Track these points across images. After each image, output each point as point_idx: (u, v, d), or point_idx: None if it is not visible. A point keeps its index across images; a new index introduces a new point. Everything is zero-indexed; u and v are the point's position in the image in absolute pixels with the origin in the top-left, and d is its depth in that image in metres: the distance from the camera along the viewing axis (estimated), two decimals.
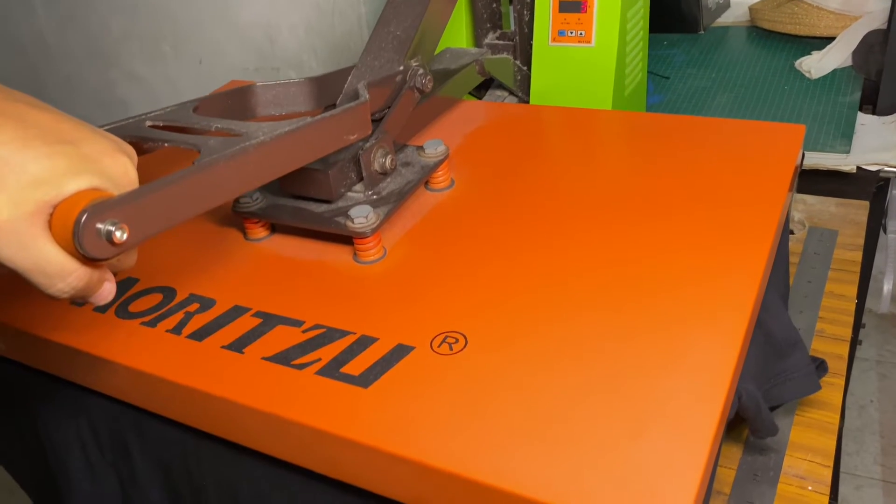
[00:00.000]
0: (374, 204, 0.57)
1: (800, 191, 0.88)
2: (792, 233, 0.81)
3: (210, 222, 0.64)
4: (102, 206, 0.36)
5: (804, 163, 0.83)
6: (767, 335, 0.54)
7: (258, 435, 0.47)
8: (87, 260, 0.37)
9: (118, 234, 0.36)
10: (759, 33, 1.23)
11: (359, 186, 0.59)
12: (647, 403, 0.41)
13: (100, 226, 0.36)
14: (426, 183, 0.63)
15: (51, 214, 0.36)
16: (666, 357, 0.43)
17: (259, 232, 0.60)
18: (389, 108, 0.61)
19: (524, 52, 0.83)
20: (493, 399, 0.42)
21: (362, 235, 0.54)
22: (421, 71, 0.63)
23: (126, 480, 0.59)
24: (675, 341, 0.44)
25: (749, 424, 0.52)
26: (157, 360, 0.50)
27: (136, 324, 0.53)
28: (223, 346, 0.50)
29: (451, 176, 0.64)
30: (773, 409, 0.57)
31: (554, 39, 0.79)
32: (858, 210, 0.84)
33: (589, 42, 0.77)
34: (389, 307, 0.51)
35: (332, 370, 0.46)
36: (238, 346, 0.49)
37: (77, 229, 0.35)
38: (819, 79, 1.06)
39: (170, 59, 1.55)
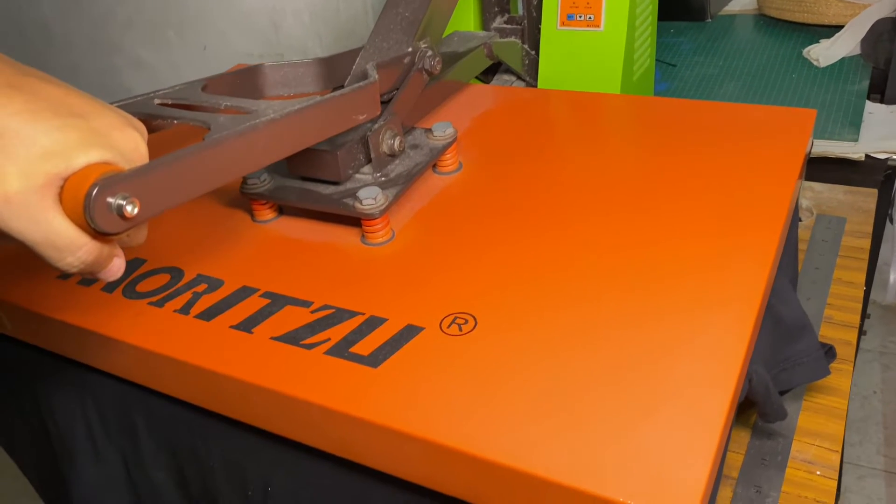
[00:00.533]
0: (383, 186, 0.56)
1: (808, 178, 0.87)
2: (800, 220, 0.81)
3: (217, 204, 0.63)
4: (113, 179, 0.35)
5: (812, 150, 0.83)
6: (777, 320, 0.54)
7: (266, 414, 0.47)
8: (98, 234, 0.36)
9: (129, 208, 0.36)
10: (766, 21, 1.22)
11: (367, 168, 0.58)
12: (659, 386, 0.40)
13: (110, 200, 0.35)
14: (434, 166, 0.63)
15: (61, 188, 0.35)
16: (677, 340, 0.43)
17: (267, 214, 0.60)
18: (398, 89, 0.61)
19: (532, 37, 0.83)
20: (503, 379, 0.42)
21: (371, 217, 0.54)
22: (430, 53, 0.62)
23: (131, 462, 0.59)
24: (686, 325, 0.44)
25: (758, 408, 0.52)
26: (165, 339, 0.49)
27: (143, 304, 0.53)
28: (231, 326, 0.49)
29: (460, 159, 0.63)
30: (781, 393, 0.57)
31: (562, 23, 0.78)
32: (867, 198, 0.84)
33: (598, 26, 0.77)
34: (398, 288, 0.51)
35: (341, 350, 0.46)
36: (246, 325, 0.49)
37: (88, 203, 0.34)
38: (827, 67, 1.05)
39: (174, 45, 1.54)
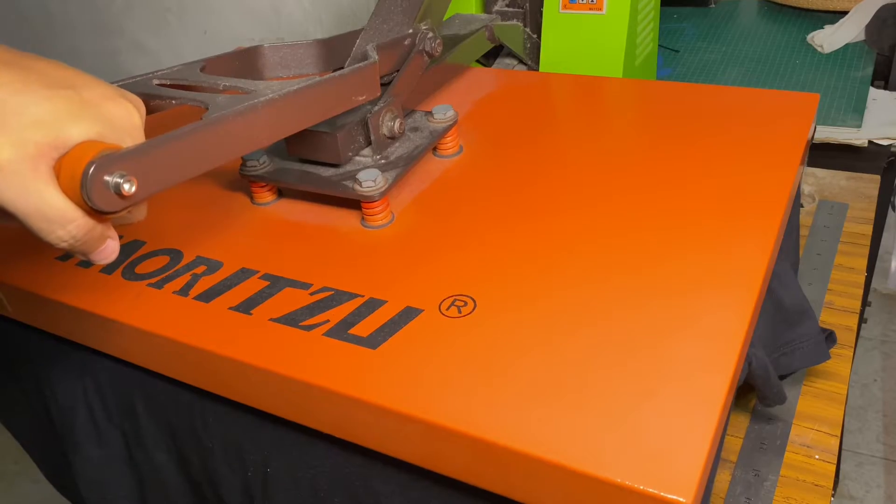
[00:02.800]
0: (383, 168, 0.56)
1: (810, 164, 0.87)
2: (802, 206, 0.80)
3: (217, 186, 0.63)
4: (111, 157, 0.35)
5: (815, 137, 0.82)
6: (778, 304, 0.54)
7: (265, 396, 0.47)
8: (95, 212, 0.36)
9: (126, 186, 0.36)
10: (770, 7, 1.21)
11: (367, 151, 0.58)
12: (658, 368, 0.40)
13: (108, 178, 0.35)
14: (434, 149, 0.62)
15: (56, 161, 0.35)
16: (677, 322, 0.43)
17: (266, 196, 0.60)
18: (398, 71, 0.61)
19: (534, 20, 0.82)
20: (502, 361, 0.42)
21: (370, 199, 0.54)
22: (430, 34, 0.62)
23: (132, 443, 0.59)
24: (686, 307, 0.44)
25: (758, 392, 0.52)
26: (164, 320, 0.49)
27: (142, 285, 0.53)
28: (230, 308, 0.49)
29: (460, 142, 0.63)
30: (781, 378, 0.56)
31: (565, 7, 0.78)
32: (869, 184, 0.84)
33: (600, 9, 0.76)
34: (397, 271, 0.50)
35: (340, 332, 0.46)
36: (245, 307, 0.49)
37: (85, 181, 0.34)
38: (831, 53, 1.04)
39: (175, 29, 1.54)
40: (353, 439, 0.45)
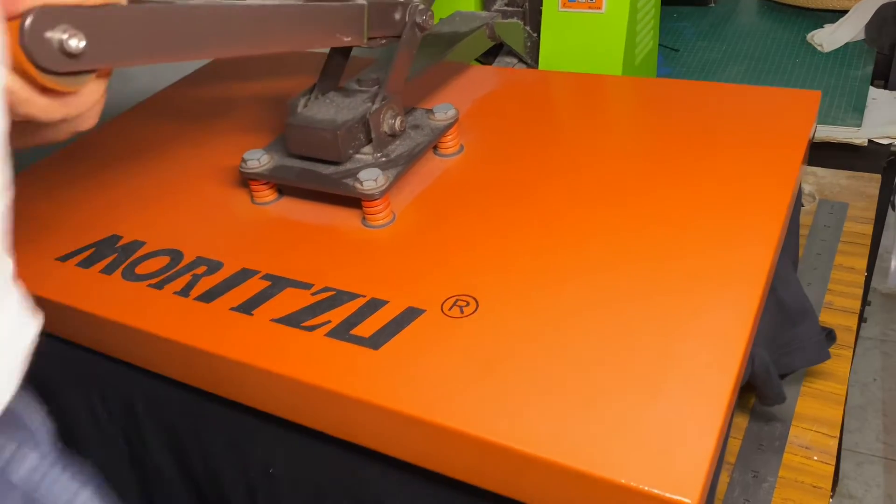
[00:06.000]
0: (383, 166, 0.56)
1: (811, 164, 0.87)
2: (802, 206, 0.80)
3: (216, 186, 0.63)
4: (51, 9, 0.33)
5: (815, 136, 0.82)
6: (779, 304, 0.54)
7: (267, 397, 0.47)
8: (43, 80, 0.33)
9: (73, 42, 0.33)
10: (770, 6, 1.21)
11: (367, 149, 0.58)
12: (663, 366, 0.40)
13: (50, 34, 0.33)
14: (435, 148, 0.62)
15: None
16: (681, 321, 0.43)
17: (266, 195, 0.60)
18: (386, 40, 0.59)
19: (534, 19, 0.82)
20: (505, 360, 0.42)
21: (371, 198, 0.54)
22: (422, 6, 0.60)
23: (134, 444, 0.59)
24: (690, 306, 0.44)
25: (758, 391, 0.52)
26: (165, 322, 0.49)
27: (143, 286, 0.53)
28: (231, 308, 0.49)
29: (461, 141, 0.63)
30: (781, 377, 0.56)
31: (564, 5, 0.78)
32: (869, 183, 0.83)
33: (599, 8, 0.76)
34: (399, 271, 0.50)
35: (341, 332, 0.46)
36: (246, 307, 0.49)
37: (23, 33, 0.31)
38: (831, 52, 1.04)
39: None
40: (354, 440, 0.45)
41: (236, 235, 0.57)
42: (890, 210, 1.00)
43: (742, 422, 0.59)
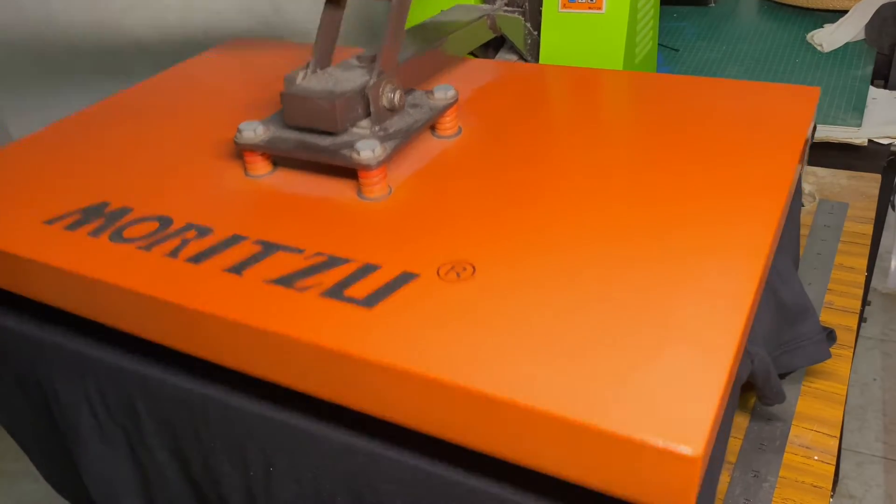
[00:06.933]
0: (381, 140, 0.56)
1: (810, 163, 0.87)
2: (802, 205, 0.80)
3: (208, 157, 0.63)
4: None
5: (815, 136, 0.82)
6: (779, 302, 0.54)
7: (259, 359, 0.46)
8: None
9: None
10: (770, 6, 1.21)
11: (365, 122, 0.58)
12: (667, 323, 0.40)
13: None
14: (433, 129, 0.62)
15: None
16: (685, 282, 0.43)
17: (260, 167, 0.59)
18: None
19: (534, 18, 0.82)
20: (505, 319, 0.42)
21: (368, 168, 0.53)
22: None
23: (135, 441, 0.59)
24: (695, 269, 0.44)
25: (758, 391, 0.52)
26: (153, 281, 0.48)
27: (131, 248, 0.52)
28: (223, 270, 0.48)
29: (459, 124, 0.63)
30: (781, 377, 0.56)
31: (564, 6, 0.78)
32: (870, 183, 0.83)
33: (599, 9, 0.76)
34: (394, 239, 0.50)
35: (335, 292, 0.45)
36: (237, 269, 0.48)
37: None
38: (831, 52, 1.04)
39: (175, 29, 1.54)
40: (348, 403, 0.44)
41: (228, 205, 0.56)
42: (890, 210, 1.00)
43: (743, 421, 0.59)
